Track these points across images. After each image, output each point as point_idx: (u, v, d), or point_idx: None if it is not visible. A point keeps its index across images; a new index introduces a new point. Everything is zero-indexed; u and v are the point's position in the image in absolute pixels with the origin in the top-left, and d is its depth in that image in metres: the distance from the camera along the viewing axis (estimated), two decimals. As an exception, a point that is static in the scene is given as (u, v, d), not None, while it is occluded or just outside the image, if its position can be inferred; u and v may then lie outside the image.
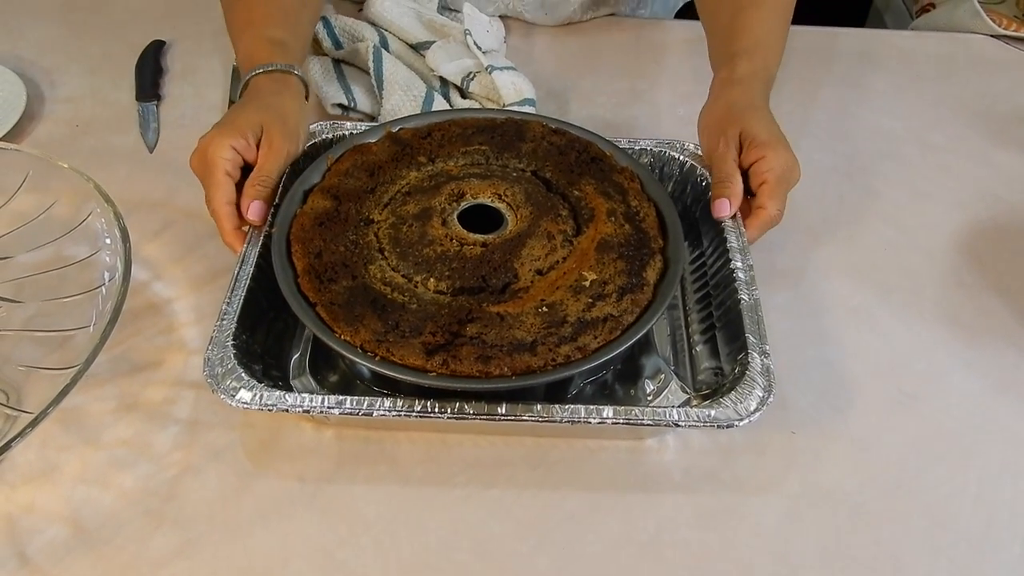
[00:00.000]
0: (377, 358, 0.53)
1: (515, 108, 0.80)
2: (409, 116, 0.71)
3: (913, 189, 0.78)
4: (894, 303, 0.69)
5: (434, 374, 0.52)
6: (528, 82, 0.82)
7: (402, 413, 0.52)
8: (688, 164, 0.70)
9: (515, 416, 0.52)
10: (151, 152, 0.80)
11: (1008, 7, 1.03)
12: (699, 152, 0.70)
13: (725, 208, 0.64)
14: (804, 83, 0.92)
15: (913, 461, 0.59)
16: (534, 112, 0.81)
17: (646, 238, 0.61)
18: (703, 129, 0.70)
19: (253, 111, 0.66)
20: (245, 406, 0.51)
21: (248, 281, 0.58)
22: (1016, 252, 0.73)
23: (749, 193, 0.65)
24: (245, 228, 0.61)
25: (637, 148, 0.71)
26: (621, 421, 0.52)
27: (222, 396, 0.52)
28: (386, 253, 0.59)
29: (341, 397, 0.52)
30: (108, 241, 0.61)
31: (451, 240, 0.59)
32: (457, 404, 0.52)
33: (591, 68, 0.92)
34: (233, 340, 0.54)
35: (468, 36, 0.83)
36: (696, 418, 0.52)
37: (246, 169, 0.64)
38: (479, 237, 0.59)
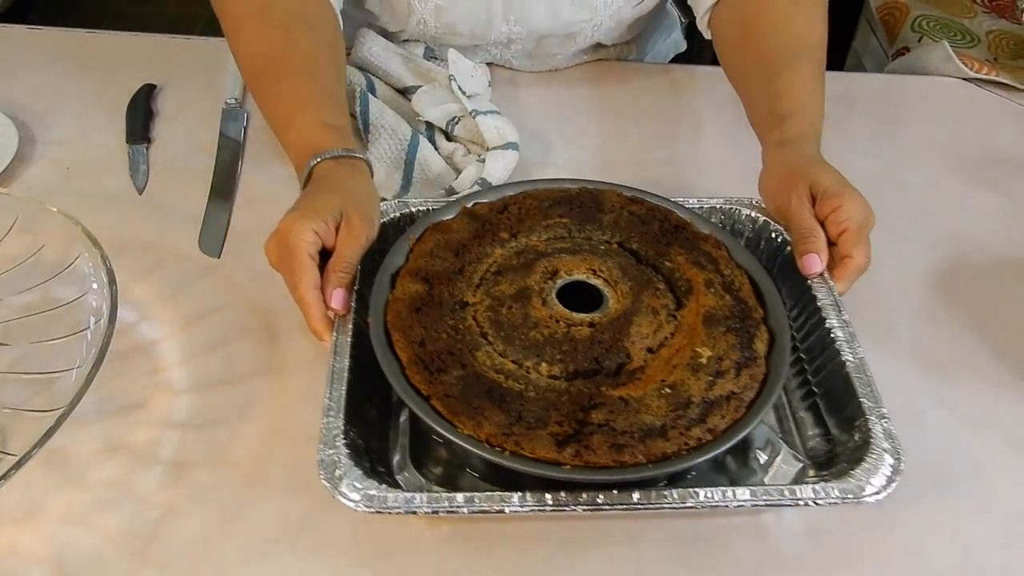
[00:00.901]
0: (507, 452, 0.51)
1: (498, 151, 0.81)
2: (480, 191, 0.69)
3: (889, 229, 0.79)
4: (869, 341, 0.69)
5: (568, 467, 0.51)
6: (512, 126, 0.84)
7: (535, 508, 0.50)
8: (760, 220, 0.70)
9: (650, 503, 0.51)
10: (140, 194, 0.81)
11: (980, 51, 1.05)
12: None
13: (816, 263, 0.63)
14: (783, 125, 0.94)
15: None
16: (517, 153, 0.82)
17: (747, 308, 0.60)
18: (767, 194, 0.70)
19: (330, 195, 0.64)
20: (371, 510, 0.50)
21: (347, 374, 0.56)
22: (990, 290, 0.75)
23: (830, 243, 0.65)
24: (329, 314, 0.60)
25: (707, 207, 0.71)
26: (761, 503, 0.51)
27: (341, 499, 0.50)
28: (490, 338, 0.58)
29: (470, 495, 0.50)
30: (95, 285, 0.61)
31: (556, 321, 0.58)
32: (588, 494, 0.51)
33: (575, 111, 0.94)
34: (343, 439, 0.52)
35: (452, 81, 0.85)
36: (835, 495, 0.51)
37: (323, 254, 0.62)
38: (584, 317, 0.58)
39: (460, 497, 0.50)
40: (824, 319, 0.61)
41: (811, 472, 0.57)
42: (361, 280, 0.62)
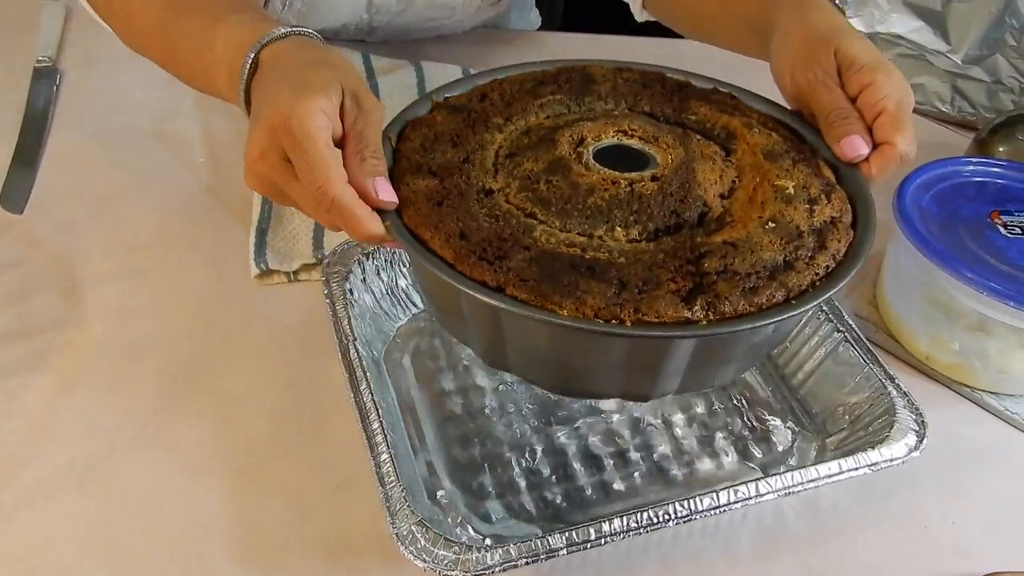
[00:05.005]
0: (628, 324, 0.43)
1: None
2: (445, 85, 0.59)
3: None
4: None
5: (704, 323, 0.44)
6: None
7: (628, 532, 0.49)
8: None
9: (736, 500, 0.51)
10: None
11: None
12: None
13: (860, 145, 0.53)
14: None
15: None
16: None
17: (795, 142, 0.55)
18: (783, 69, 0.58)
19: (320, 68, 0.50)
20: (486, 571, 0.47)
21: (382, 433, 0.52)
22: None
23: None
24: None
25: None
26: (829, 478, 0.53)
27: (449, 573, 0.46)
28: (540, 216, 0.48)
29: (566, 533, 0.48)
30: None
31: (614, 183, 0.49)
32: (682, 506, 0.50)
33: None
34: (408, 507, 0.49)
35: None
36: (876, 458, 0.55)
37: None
38: (643, 173, 0.50)
39: (555, 539, 0.48)
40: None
41: (824, 445, 0.61)
42: None
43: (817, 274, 0.47)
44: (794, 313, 0.45)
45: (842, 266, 0.48)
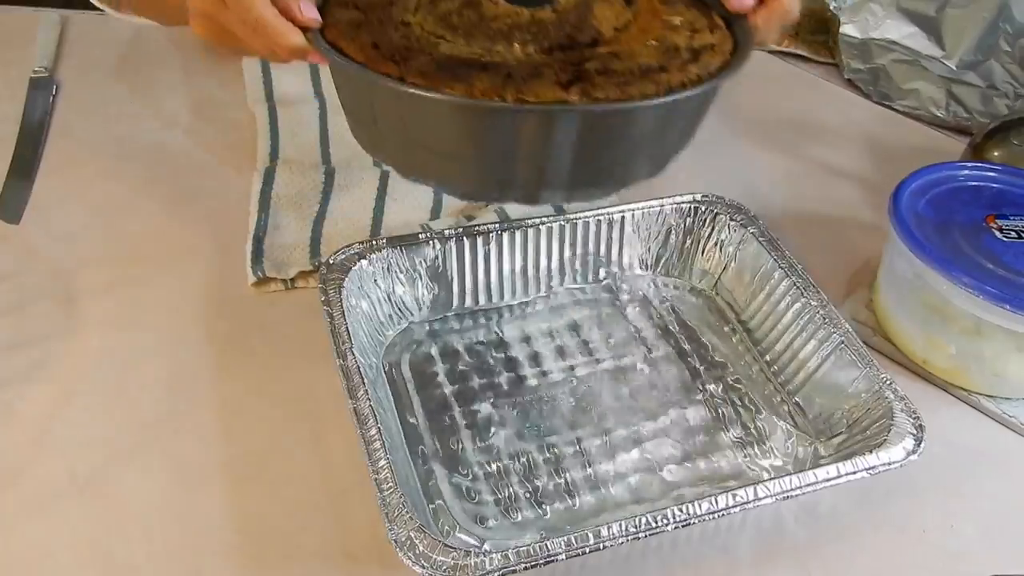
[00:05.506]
0: (508, 102, 0.48)
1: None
2: None
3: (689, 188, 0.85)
4: (658, 288, 0.74)
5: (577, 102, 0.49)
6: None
7: (627, 537, 0.49)
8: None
9: (735, 504, 0.51)
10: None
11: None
12: None
13: None
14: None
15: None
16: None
17: None
18: None
19: None
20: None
21: (380, 439, 0.52)
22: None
23: None
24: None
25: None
26: (829, 482, 0.53)
27: None
28: (448, 38, 0.54)
29: (565, 538, 0.48)
30: None
31: (517, 14, 0.55)
32: (679, 510, 0.51)
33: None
34: (407, 512, 0.49)
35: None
36: (876, 461, 0.55)
37: None
38: (545, 8, 0.55)
39: (554, 545, 0.48)
40: (802, 294, 0.65)
41: (822, 449, 0.61)
42: None
43: (689, 79, 0.52)
44: (660, 101, 0.50)
45: (722, 72, 0.53)
